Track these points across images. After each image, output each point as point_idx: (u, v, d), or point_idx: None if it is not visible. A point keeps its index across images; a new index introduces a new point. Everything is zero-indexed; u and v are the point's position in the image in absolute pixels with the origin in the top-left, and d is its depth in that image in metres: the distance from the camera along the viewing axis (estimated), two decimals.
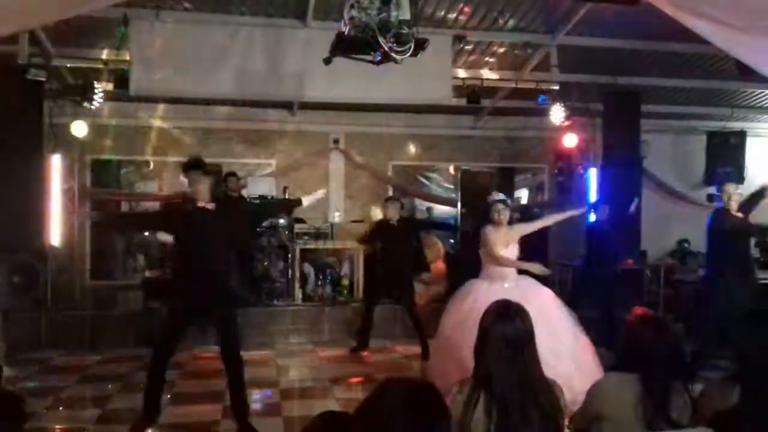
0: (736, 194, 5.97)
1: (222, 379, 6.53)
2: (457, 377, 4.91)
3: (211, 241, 4.78)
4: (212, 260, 4.80)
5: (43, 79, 7.95)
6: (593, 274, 7.96)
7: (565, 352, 5.18)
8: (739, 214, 5.94)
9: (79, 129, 9.02)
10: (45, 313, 8.00)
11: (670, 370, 2.62)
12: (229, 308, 5.00)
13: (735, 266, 5.89)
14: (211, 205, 4.85)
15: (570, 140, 10.17)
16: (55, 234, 8.51)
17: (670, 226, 10.70)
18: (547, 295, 5.62)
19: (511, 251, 5.72)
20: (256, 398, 6.09)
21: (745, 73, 6.46)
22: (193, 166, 4.87)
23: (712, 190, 11.00)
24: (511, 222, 5.98)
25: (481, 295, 5.38)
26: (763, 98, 10.96)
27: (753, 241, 6.28)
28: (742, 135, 11.13)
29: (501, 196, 5.91)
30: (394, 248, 7.85)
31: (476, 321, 4.86)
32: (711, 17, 4.45)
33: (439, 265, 9.82)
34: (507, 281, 5.62)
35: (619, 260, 8.38)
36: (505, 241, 5.70)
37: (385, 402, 1.83)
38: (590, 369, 5.06)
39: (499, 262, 5.64)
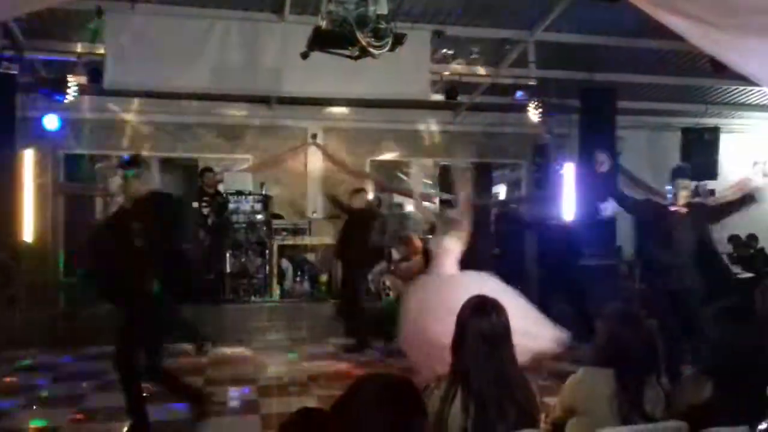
0: (684, 190, 5.72)
1: (200, 376, 6.55)
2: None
3: (122, 240, 4.68)
4: (122, 261, 4.71)
5: (15, 72, 7.82)
6: (565, 271, 8.01)
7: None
8: (683, 210, 5.69)
9: (52, 123, 8.86)
10: (19, 311, 7.87)
11: (645, 365, 2.66)
12: (133, 309, 4.77)
13: (666, 263, 5.75)
14: (125, 202, 4.81)
15: (546, 136, 10.22)
16: (28, 230, 8.38)
17: None
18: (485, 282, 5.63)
19: (446, 244, 5.81)
20: (233, 396, 6.07)
21: (719, 69, 6.50)
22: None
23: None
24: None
25: (423, 286, 5.70)
26: (737, 95, 11.09)
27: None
28: (716, 131, 11.22)
29: (447, 196, 6.08)
30: (350, 238, 7.95)
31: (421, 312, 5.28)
32: (688, 14, 4.49)
33: (417, 261, 9.81)
34: (441, 274, 5.73)
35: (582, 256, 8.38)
36: (441, 235, 5.90)
37: (361, 398, 1.84)
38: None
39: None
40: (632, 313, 2.92)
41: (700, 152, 10.97)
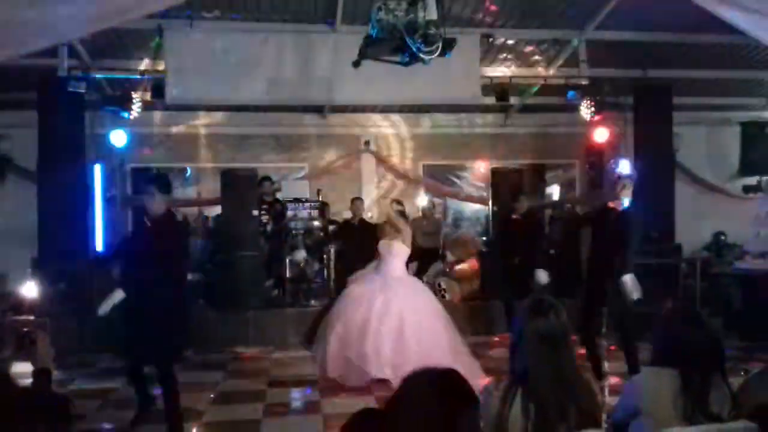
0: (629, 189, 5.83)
1: (262, 377, 6.70)
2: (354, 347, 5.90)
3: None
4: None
5: (82, 91, 8.18)
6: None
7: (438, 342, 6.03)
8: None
9: (119, 139, 9.23)
10: (91, 317, 8.17)
11: (709, 363, 2.57)
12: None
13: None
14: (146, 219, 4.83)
15: (601, 135, 10.08)
16: (99, 242, 8.74)
17: (706, 219, 10.55)
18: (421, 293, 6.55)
19: (399, 248, 6.45)
20: (296, 396, 6.18)
21: None
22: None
23: (748, 181, 10.84)
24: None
25: (370, 284, 6.35)
26: None
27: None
28: None
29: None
30: (352, 248, 8.02)
31: (368, 302, 6.10)
32: (742, 6, 4.43)
33: (472, 263, 9.82)
34: (393, 273, 6.39)
35: None
36: (397, 239, 6.45)
37: (413, 392, 1.86)
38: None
39: None
40: (692, 310, 2.82)
41: (760, 147, 10.69)
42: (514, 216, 8.16)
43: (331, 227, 9.46)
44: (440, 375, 1.89)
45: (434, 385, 1.84)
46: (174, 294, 4.86)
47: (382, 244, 6.49)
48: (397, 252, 6.47)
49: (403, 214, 6.79)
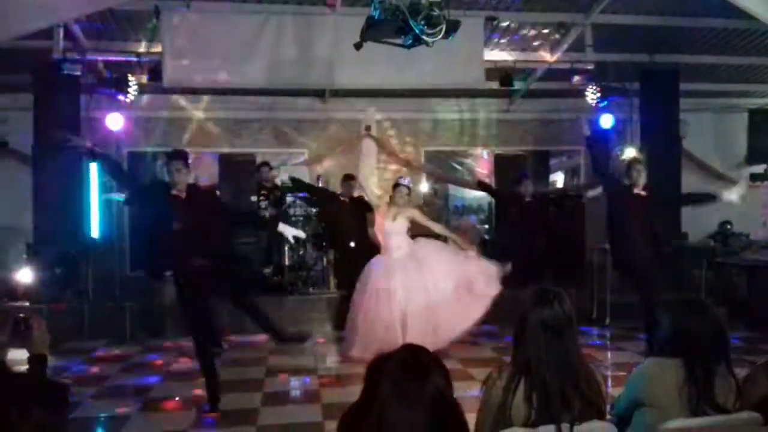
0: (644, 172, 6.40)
1: (260, 366, 6.64)
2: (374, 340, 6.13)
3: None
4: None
5: (78, 74, 8.09)
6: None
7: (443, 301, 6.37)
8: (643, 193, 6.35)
9: (115, 122, 9.11)
10: (87, 304, 8.13)
11: (714, 353, 2.56)
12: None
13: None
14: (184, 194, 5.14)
15: (606, 121, 9.96)
16: (95, 226, 8.66)
17: (711, 208, 10.42)
18: (437, 251, 6.73)
19: (398, 224, 6.67)
20: (294, 385, 6.14)
21: None
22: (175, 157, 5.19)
23: (756, 169, 10.74)
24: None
25: (376, 268, 6.58)
26: None
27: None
28: None
29: (406, 180, 6.95)
30: (344, 229, 8.02)
31: (377, 293, 6.37)
32: None
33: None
34: (397, 251, 6.61)
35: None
36: (393, 215, 6.69)
37: (380, 373, 1.93)
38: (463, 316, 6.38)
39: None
40: (697, 300, 2.80)
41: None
42: (527, 199, 8.17)
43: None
44: (398, 352, 2.03)
45: (395, 362, 1.95)
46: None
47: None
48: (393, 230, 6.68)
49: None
